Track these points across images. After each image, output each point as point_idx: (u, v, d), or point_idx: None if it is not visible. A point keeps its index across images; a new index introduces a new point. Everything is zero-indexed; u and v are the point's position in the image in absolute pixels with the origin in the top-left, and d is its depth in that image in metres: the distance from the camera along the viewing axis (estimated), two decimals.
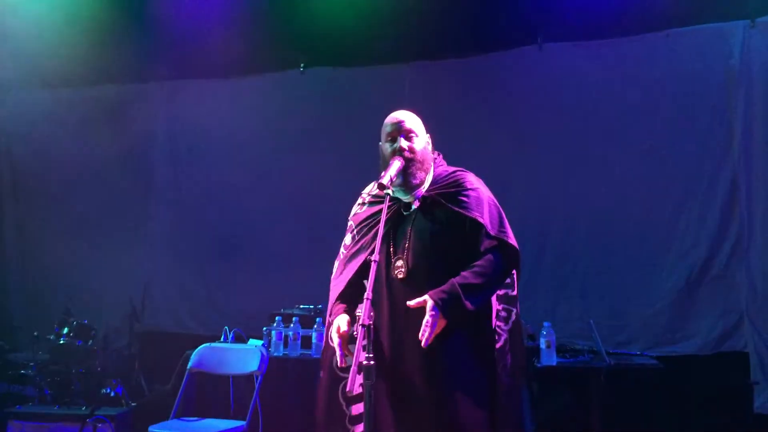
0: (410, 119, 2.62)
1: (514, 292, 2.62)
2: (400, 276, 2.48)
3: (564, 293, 4.79)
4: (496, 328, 2.60)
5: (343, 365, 2.44)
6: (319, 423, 2.62)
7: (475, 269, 2.43)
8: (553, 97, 5.04)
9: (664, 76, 4.81)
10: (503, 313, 2.62)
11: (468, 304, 2.37)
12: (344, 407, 2.59)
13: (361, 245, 2.60)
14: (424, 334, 2.30)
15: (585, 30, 4.97)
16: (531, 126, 5.07)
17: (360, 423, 2.58)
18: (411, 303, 2.35)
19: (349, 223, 2.73)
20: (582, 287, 4.80)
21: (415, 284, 2.45)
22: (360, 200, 2.76)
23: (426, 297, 2.35)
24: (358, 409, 2.59)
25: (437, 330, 2.33)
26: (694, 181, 4.70)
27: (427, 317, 2.32)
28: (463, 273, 2.41)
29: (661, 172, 4.77)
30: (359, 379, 2.15)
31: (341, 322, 2.48)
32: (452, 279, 2.39)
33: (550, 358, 3.94)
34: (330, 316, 2.57)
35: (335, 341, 2.43)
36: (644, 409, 4.39)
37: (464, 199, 2.53)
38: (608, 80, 4.93)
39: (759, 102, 4.59)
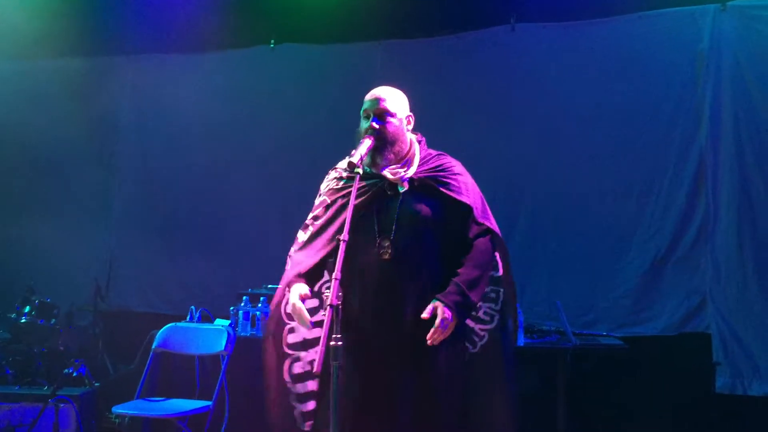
0: (390, 98, 2.58)
1: (499, 273, 2.66)
2: (386, 257, 2.47)
3: (532, 274, 4.81)
4: (487, 309, 2.63)
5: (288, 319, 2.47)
6: (270, 400, 2.63)
7: (470, 262, 2.49)
8: (525, 77, 5.03)
9: (634, 59, 4.81)
10: (492, 294, 2.65)
11: (473, 297, 2.45)
12: (290, 384, 2.62)
13: (339, 225, 2.53)
14: (436, 335, 2.36)
15: (557, 11, 4.95)
16: (502, 106, 5.06)
17: (309, 401, 2.59)
18: (424, 315, 2.38)
19: (321, 198, 2.67)
20: (550, 268, 4.83)
21: (402, 265, 2.47)
22: (335, 174, 2.70)
23: (437, 303, 2.40)
24: (305, 387, 2.60)
25: (448, 331, 2.39)
26: (661, 164, 4.73)
27: (439, 320, 2.36)
28: (460, 270, 2.47)
29: (629, 153, 4.79)
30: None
31: (301, 289, 2.45)
32: (453, 279, 2.45)
33: (517, 339, 3.96)
34: (286, 288, 2.52)
35: (296, 305, 2.39)
36: (609, 388, 4.48)
37: (453, 182, 2.56)
38: (580, 61, 4.92)
39: (727, 86, 4.61)
